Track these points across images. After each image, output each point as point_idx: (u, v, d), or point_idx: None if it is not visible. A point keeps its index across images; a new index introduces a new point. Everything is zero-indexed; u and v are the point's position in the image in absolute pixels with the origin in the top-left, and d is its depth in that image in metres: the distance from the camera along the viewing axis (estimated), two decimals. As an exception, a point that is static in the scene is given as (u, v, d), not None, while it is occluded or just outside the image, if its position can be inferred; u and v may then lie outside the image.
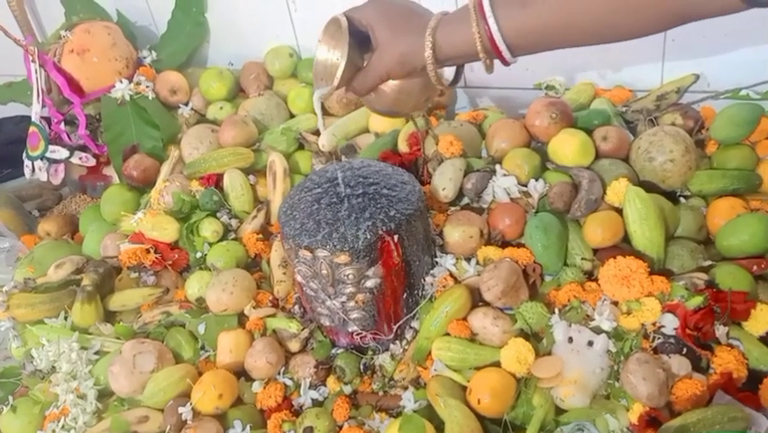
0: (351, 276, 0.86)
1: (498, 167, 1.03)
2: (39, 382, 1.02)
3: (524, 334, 0.87)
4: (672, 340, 0.81)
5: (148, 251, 1.08)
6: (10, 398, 1.00)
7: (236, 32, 1.42)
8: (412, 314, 0.94)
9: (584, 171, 0.98)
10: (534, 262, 0.93)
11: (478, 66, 1.23)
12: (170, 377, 0.94)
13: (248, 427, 0.89)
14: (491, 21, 0.66)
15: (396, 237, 0.86)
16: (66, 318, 1.07)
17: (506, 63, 0.70)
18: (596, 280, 0.89)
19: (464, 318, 0.89)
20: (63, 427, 0.94)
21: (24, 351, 1.07)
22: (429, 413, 0.85)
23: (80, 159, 1.33)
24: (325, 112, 1.33)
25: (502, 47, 0.67)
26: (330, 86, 0.76)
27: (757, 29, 1.02)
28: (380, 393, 0.91)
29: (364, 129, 1.24)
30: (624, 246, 0.93)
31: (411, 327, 0.94)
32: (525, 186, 1.01)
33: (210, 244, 1.10)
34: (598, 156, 1.02)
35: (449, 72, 0.77)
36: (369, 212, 0.86)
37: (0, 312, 1.06)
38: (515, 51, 0.68)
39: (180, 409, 0.89)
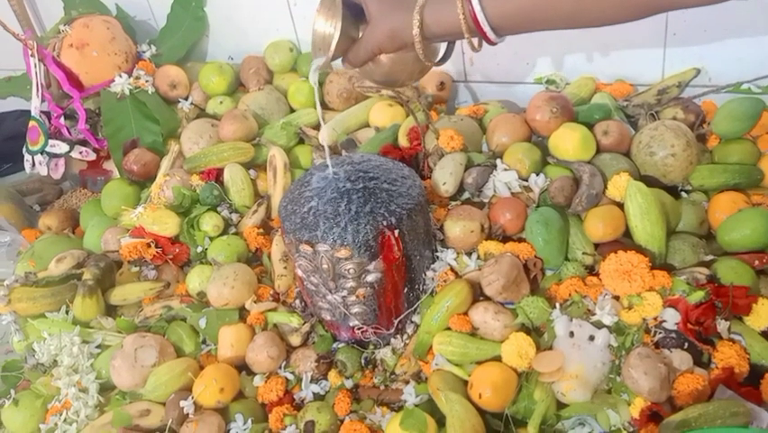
0: (351, 270, 0.87)
1: (498, 161, 1.03)
2: (41, 375, 1.02)
3: (525, 328, 0.87)
4: (673, 335, 0.81)
5: (149, 245, 1.08)
6: (12, 391, 1.00)
7: (236, 26, 1.42)
8: (413, 308, 0.94)
9: (585, 166, 0.98)
10: (536, 256, 0.93)
11: (478, 60, 1.23)
12: (172, 371, 0.94)
13: (249, 420, 0.89)
14: (475, 2, 0.69)
15: (396, 232, 0.86)
16: (67, 312, 1.07)
17: (491, 43, 0.72)
18: (597, 274, 0.89)
19: (465, 313, 0.89)
20: (65, 420, 0.94)
21: (26, 345, 1.07)
22: (430, 407, 0.85)
23: (80, 153, 1.33)
24: (325, 107, 1.33)
25: (486, 27, 0.70)
26: (325, 56, 0.79)
27: (759, 23, 1.02)
28: (382, 387, 0.92)
29: (364, 123, 1.24)
30: (625, 241, 0.93)
31: (412, 322, 0.94)
32: (526, 180, 1.01)
33: (211, 239, 1.10)
34: (599, 150, 1.02)
35: (442, 47, 0.81)
36: (369, 206, 0.86)
37: (1, 306, 1.06)
38: (499, 32, 0.71)
39: (182, 403, 0.89)
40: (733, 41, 1.05)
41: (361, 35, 0.78)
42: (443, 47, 0.82)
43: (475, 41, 0.73)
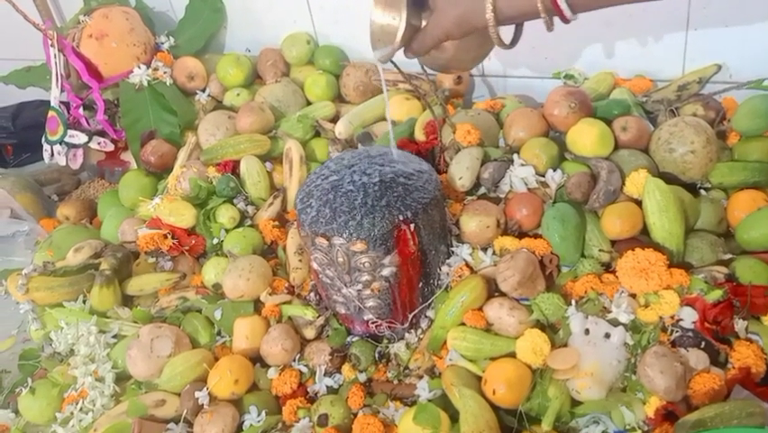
0: (367, 264, 0.87)
1: (515, 156, 1.03)
2: (57, 364, 1.03)
3: (540, 325, 0.86)
4: (690, 334, 0.81)
5: (165, 236, 1.09)
6: (29, 380, 1.02)
7: (254, 18, 1.42)
8: (427, 303, 0.94)
9: (603, 162, 0.97)
10: (551, 252, 0.92)
11: (496, 54, 1.22)
12: (187, 362, 0.94)
13: (263, 412, 0.89)
14: None
15: (412, 226, 0.86)
16: (84, 302, 1.08)
17: (566, 21, 0.70)
18: (613, 271, 0.89)
19: (480, 308, 0.89)
20: (81, 409, 0.95)
21: (43, 333, 1.08)
22: (444, 402, 0.85)
23: (98, 144, 1.34)
24: (342, 100, 1.33)
25: (563, 5, 0.68)
26: (389, 47, 0.78)
27: (782, 19, 1.00)
28: (395, 382, 0.92)
29: (381, 117, 1.24)
30: (642, 238, 0.93)
31: (426, 317, 0.94)
32: (543, 176, 1.01)
33: (227, 231, 1.11)
34: (617, 147, 1.01)
35: (507, 31, 0.78)
36: (385, 200, 0.86)
37: (19, 295, 1.07)
38: (575, 8, 0.69)
39: (197, 394, 0.90)
40: (755, 36, 1.03)
41: (424, 23, 0.77)
42: (509, 28, 0.79)
43: (550, 20, 0.71)
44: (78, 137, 1.33)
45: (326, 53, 1.35)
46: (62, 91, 1.34)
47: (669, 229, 0.90)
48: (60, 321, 1.05)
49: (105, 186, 1.40)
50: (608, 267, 0.92)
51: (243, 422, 0.90)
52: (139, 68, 1.33)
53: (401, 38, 0.76)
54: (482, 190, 1.04)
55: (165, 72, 1.34)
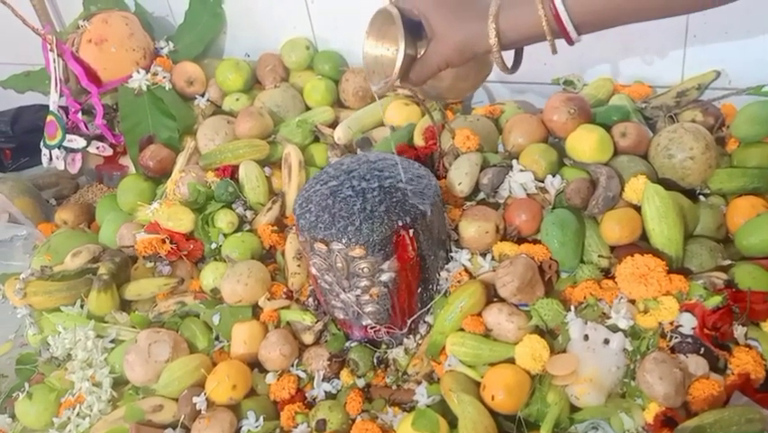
0: (365, 269, 0.86)
1: (514, 162, 1.03)
2: (55, 369, 1.03)
3: (539, 331, 0.86)
4: (689, 340, 0.80)
5: (163, 241, 1.09)
6: (26, 385, 1.01)
7: (253, 23, 1.42)
8: (426, 308, 0.93)
9: (602, 168, 0.97)
10: (551, 258, 0.92)
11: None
12: (185, 367, 0.94)
13: (261, 418, 0.89)
14: (558, 1, 0.65)
15: (411, 231, 0.86)
16: (82, 307, 1.07)
17: (571, 42, 0.68)
18: (613, 277, 0.89)
19: (479, 314, 0.88)
20: (78, 414, 0.95)
21: (41, 338, 1.08)
22: (442, 408, 0.85)
23: (97, 148, 1.34)
24: (341, 105, 1.33)
25: (569, 27, 0.66)
26: (387, 79, 0.75)
27: (781, 25, 1.01)
28: (394, 387, 0.91)
29: (380, 122, 1.24)
30: (642, 244, 0.92)
31: (425, 322, 0.94)
32: (542, 181, 1.01)
33: (225, 235, 1.11)
34: (616, 152, 1.01)
35: (509, 54, 0.76)
36: (384, 206, 0.86)
37: (17, 299, 1.07)
38: (581, 30, 0.67)
39: (194, 399, 0.90)
40: (754, 43, 1.03)
41: (420, 51, 0.74)
42: (509, 52, 0.76)
43: (555, 42, 0.69)
44: (77, 141, 1.33)
45: (326, 58, 1.35)
46: (61, 96, 1.34)
47: (668, 235, 0.89)
48: (58, 326, 1.05)
49: (103, 190, 1.40)
50: (607, 273, 0.92)
51: (241, 428, 0.89)
52: (138, 72, 1.33)
53: (399, 70, 0.72)
54: (481, 196, 1.04)
55: (164, 77, 1.34)
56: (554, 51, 0.70)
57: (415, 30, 0.73)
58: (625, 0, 0.65)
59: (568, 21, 0.66)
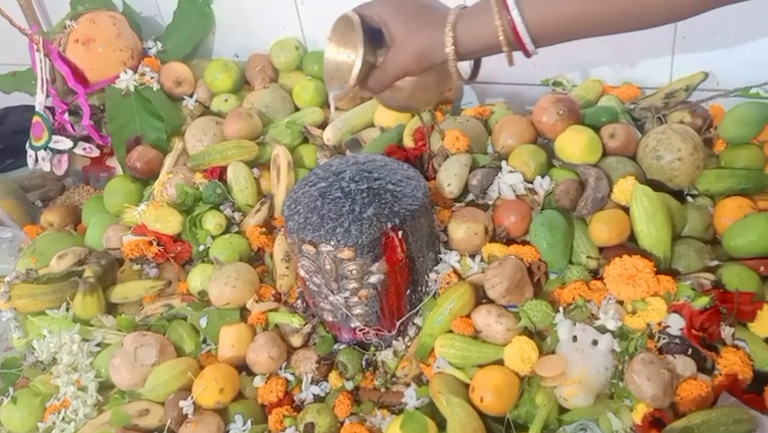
0: (354, 271, 0.86)
1: (503, 163, 1.02)
2: (40, 373, 1.02)
3: (528, 332, 0.86)
4: (677, 340, 0.81)
5: (150, 243, 1.08)
6: (11, 389, 1.00)
7: (242, 23, 1.41)
8: (415, 310, 0.93)
9: (591, 169, 0.97)
10: (539, 259, 0.92)
11: (484, 61, 1.22)
12: (172, 370, 0.93)
13: (249, 421, 0.89)
14: (515, 13, 0.65)
15: (400, 233, 0.86)
16: (67, 310, 1.06)
17: (528, 55, 0.69)
18: (601, 278, 0.89)
19: (468, 316, 0.88)
20: (63, 419, 0.94)
21: (26, 342, 1.07)
22: (431, 410, 0.85)
23: (84, 149, 1.33)
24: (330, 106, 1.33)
25: (526, 39, 0.66)
26: (345, 85, 0.74)
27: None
28: (382, 390, 0.91)
29: (369, 123, 1.24)
30: (630, 245, 0.93)
31: (414, 324, 0.94)
32: (531, 183, 1.01)
33: (213, 237, 1.10)
34: (605, 154, 1.01)
35: (467, 65, 0.76)
36: (373, 207, 0.85)
37: (1, 303, 1.06)
38: (538, 43, 0.67)
39: (181, 403, 0.89)
40: (742, 45, 1.04)
41: (380, 59, 0.74)
42: (467, 65, 0.77)
43: (512, 54, 0.69)
44: (63, 143, 1.32)
45: (315, 59, 1.34)
46: (47, 96, 1.33)
47: (656, 236, 0.90)
48: (43, 329, 1.04)
49: (90, 192, 1.39)
50: (595, 274, 0.92)
51: (229, 431, 0.89)
52: (125, 73, 1.32)
53: (356, 76, 0.72)
54: (471, 197, 1.04)
55: (152, 77, 1.33)
56: (511, 63, 0.70)
57: (375, 37, 0.73)
58: (581, 15, 0.65)
59: (525, 33, 0.66)
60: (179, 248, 1.10)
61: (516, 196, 1.00)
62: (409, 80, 0.75)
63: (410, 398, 0.87)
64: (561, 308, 0.86)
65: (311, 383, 0.92)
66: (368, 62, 0.73)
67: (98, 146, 1.34)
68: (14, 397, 0.98)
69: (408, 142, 1.13)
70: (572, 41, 0.68)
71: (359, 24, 0.71)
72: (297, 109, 1.33)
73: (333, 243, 0.84)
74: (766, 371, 0.81)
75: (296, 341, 0.96)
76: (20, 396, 0.98)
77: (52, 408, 0.95)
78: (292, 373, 0.94)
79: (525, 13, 0.65)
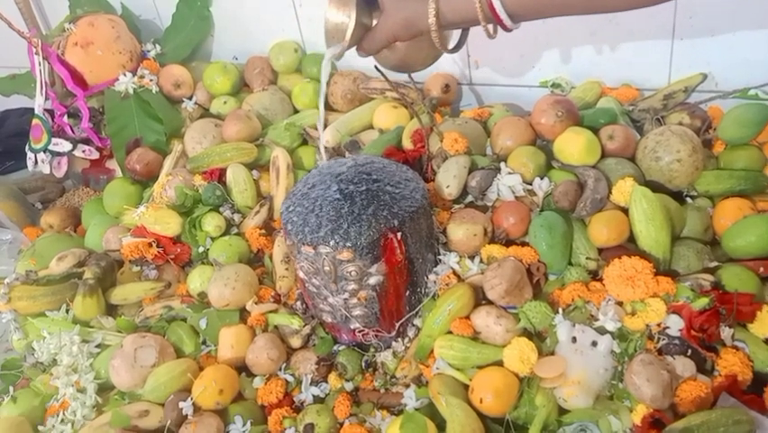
0: (353, 273, 0.86)
1: (502, 165, 1.03)
2: (40, 374, 1.02)
3: (527, 333, 0.86)
4: (676, 341, 0.81)
5: (150, 245, 1.08)
6: (11, 389, 1.00)
7: (241, 26, 1.42)
8: (415, 312, 0.93)
9: (590, 170, 0.97)
10: (539, 261, 0.92)
11: (484, 62, 1.23)
12: (171, 372, 0.93)
13: (248, 422, 0.89)
14: None
15: (399, 234, 0.86)
16: (67, 311, 1.06)
17: (506, 29, 0.73)
18: (600, 279, 0.89)
19: (467, 317, 0.88)
20: (62, 420, 0.94)
21: (26, 343, 1.07)
22: (431, 412, 0.85)
23: (83, 152, 1.33)
24: (330, 108, 1.33)
25: (502, 15, 0.70)
26: (341, 45, 0.80)
27: (766, 28, 1.01)
28: (382, 391, 0.91)
29: (368, 125, 1.24)
30: (629, 246, 0.93)
31: (413, 325, 0.94)
32: (530, 184, 1.01)
33: (212, 239, 1.10)
34: (604, 155, 1.01)
35: (455, 34, 0.82)
36: (372, 209, 0.85)
37: (1, 304, 1.06)
38: (515, 18, 0.71)
39: (181, 404, 0.89)
40: (740, 46, 1.04)
41: (375, 22, 0.79)
42: (456, 33, 0.82)
43: (491, 27, 0.73)
44: (63, 145, 1.32)
45: (314, 61, 1.35)
46: (47, 99, 1.33)
47: (655, 237, 0.90)
48: (43, 331, 1.04)
49: (89, 194, 1.39)
50: (594, 275, 0.92)
51: (228, 432, 0.89)
52: (124, 75, 1.32)
53: (350, 37, 0.78)
54: (469, 199, 1.04)
55: (151, 80, 1.33)
56: (491, 36, 0.74)
57: (372, 1, 0.79)
58: None
59: (501, 9, 0.70)
60: (179, 250, 1.10)
61: (516, 197, 1.00)
62: (403, 43, 0.81)
63: (410, 399, 0.87)
64: (560, 310, 0.86)
65: (311, 384, 0.92)
66: (362, 24, 0.79)
67: (98, 148, 1.34)
68: (14, 396, 0.98)
69: (407, 143, 1.13)
70: (549, 17, 0.73)
71: None
72: (295, 111, 1.33)
73: (331, 244, 0.84)
74: (766, 372, 0.80)
75: (295, 342, 0.96)
76: (20, 396, 0.98)
77: (52, 409, 0.95)
78: (292, 375, 0.94)
79: None
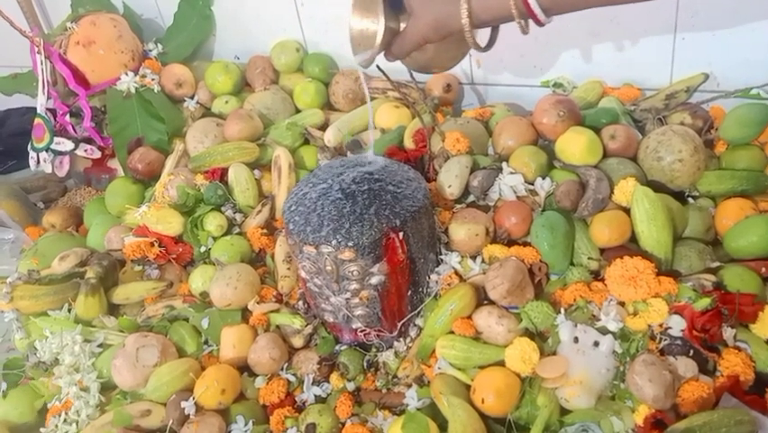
0: (355, 272, 0.86)
1: (504, 165, 1.03)
2: (42, 373, 1.02)
3: (529, 333, 0.86)
4: (678, 342, 0.81)
5: (152, 244, 1.08)
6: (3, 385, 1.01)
7: (243, 25, 1.42)
8: (416, 311, 0.93)
9: (591, 170, 0.97)
10: (540, 260, 0.92)
11: (485, 62, 1.23)
12: (173, 371, 0.93)
13: (250, 422, 0.89)
14: None
15: (401, 234, 0.86)
16: (69, 311, 1.06)
17: (540, 24, 0.71)
18: (602, 280, 0.89)
19: (469, 317, 0.88)
20: (65, 420, 0.94)
21: (28, 343, 1.07)
22: (432, 411, 0.85)
23: (85, 151, 1.33)
24: (331, 107, 1.33)
25: (537, 10, 0.69)
26: (369, 51, 0.79)
27: (768, 28, 1.01)
28: (384, 391, 0.91)
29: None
30: (631, 246, 0.93)
31: (415, 325, 0.94)
32: (532, 184, 1.01)
33: (214, 239, 1.10)
34: (605, 155, 1.01)
35: (483, 33, 0.80)
36: (374, 208, 0.86)
37: (4, 304, 1.06)
38: (549, 12, 0.70)
39: (183, 404, 0.89)
40: (742, 45, 1.04)
41: (402, 26, 0.78)
42: (485, 31, 0.80)
43: (524, 23, 0.72)
44: (65, 144, 1.32)
45: (316, 61, 1.35)
46: (49, 98, 1.33)
47: (657, 237, 0.90)
48: (45, 330, 1.04)
49: (91, 193, 1.39)
50: (596, 275, 0.92)
51: (230, 432, 0.89)
52: (126, 75, 1.32)
53: (380, 42, 0.77)
54: (471, 198, 1.04)
55: (153, 79, 1.33)
56: (525, 32, 0.73)
57: (397, 3, 0.77)
58: None
59: (535, 5, 0.69)
60: (181, 249, 1.10)
61: (517, 197, 1.00)
62: (432, 44, 0.78)
63: (411, 399, 0.87)
64: (562, 310, 0.86)
65: (312, 384, 0.93)
66: (390, 28, 0.77)
67: (100, 148, 1.34)
68: (5, 391, 0.99)
69: (409, 143, 1.13)
70: (583, 8, 0.71)
71: None
72: (297, 111, 1.33)
73: (333, 244, 0.84)
74: (768, 372, 0.81)
75: (297, 342, 0.96)
76: (11, 393, 0.99)
77: (54, 409, 0.95)
78: (293, 374, 0.94)
79: None
